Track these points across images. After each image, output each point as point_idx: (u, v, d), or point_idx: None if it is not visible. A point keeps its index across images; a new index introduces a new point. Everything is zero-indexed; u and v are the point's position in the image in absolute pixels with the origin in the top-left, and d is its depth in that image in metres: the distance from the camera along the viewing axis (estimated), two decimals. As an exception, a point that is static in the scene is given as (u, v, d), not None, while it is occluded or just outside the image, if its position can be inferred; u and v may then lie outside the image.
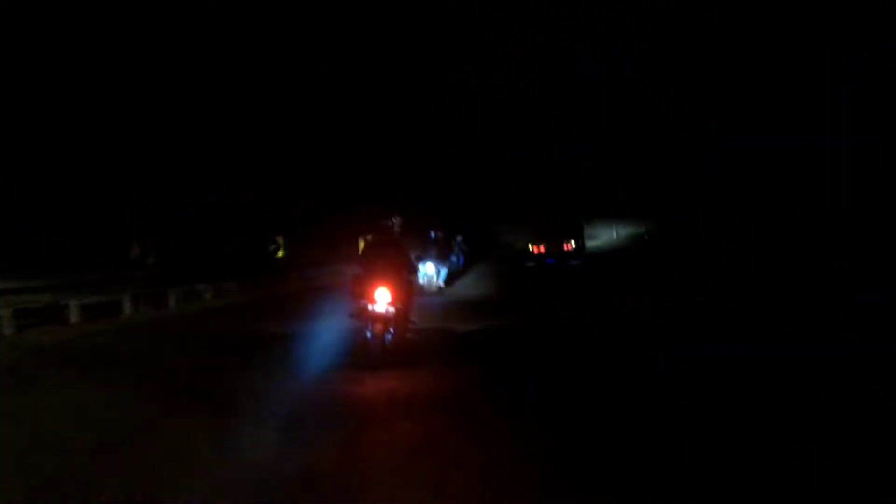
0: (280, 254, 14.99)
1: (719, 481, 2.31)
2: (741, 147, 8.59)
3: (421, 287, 9.70)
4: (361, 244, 10.21)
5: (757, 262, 6.95)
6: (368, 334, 4.80)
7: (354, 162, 16.92)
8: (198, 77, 13.61)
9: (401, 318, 4.96)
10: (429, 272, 10.40)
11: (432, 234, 10.57)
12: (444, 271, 10.94)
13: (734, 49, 8.27)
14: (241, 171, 14.46)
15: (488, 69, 12.76)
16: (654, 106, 10.88)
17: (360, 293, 4.95)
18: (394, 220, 5.55)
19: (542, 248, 16.88)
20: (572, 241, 16.42)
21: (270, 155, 15.45)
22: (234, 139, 14.60)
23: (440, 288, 10.66)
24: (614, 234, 16.31)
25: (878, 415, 2.89)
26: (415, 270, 5.99)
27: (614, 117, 12.58)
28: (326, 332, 6.15)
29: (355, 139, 16.79)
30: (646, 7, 9.29)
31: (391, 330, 4.83)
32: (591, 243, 16.45)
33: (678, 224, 13.25)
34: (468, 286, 11.53)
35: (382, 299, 4.78)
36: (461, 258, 13.58)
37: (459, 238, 13.56)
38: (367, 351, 4.74)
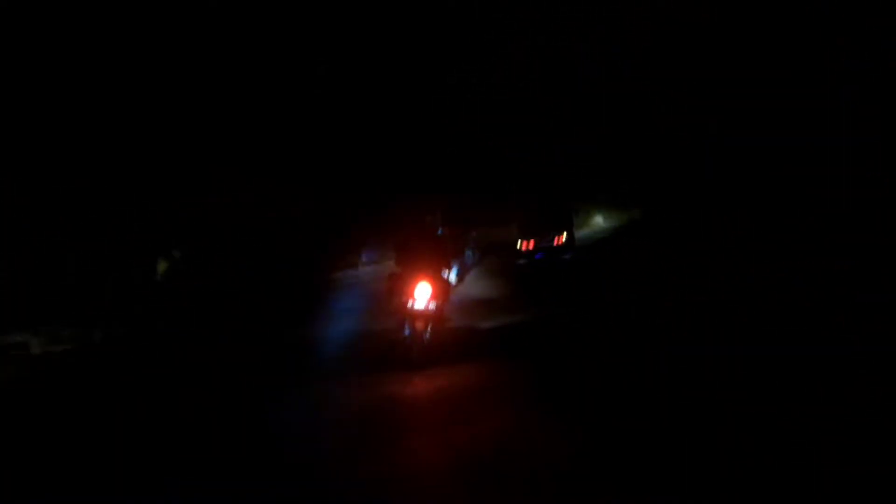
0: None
1: (719, 481, 2.31)
2: (741, 147, 8.58)
3: None
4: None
5: (757, 262, 6.92)
6: (407, 332, 4.71)
7: (354, 161, 16.87)
8: (197, 77, 13.59)
9: (439, 314, 4.88)
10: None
11: (439, 231, 10.40)
12: (455, 268, 10.88)
13: (734, 49, 8.27)
14: (242, 171, 14.42)
15: (488, 69, 12.74)
16: (654, 106, 10.86)
17: (400, 290, 4.87)
18: (435, 216, 5.47)
19: (531, 244, 14.72)
20: (564, 234, 14.31)
21: (270, 155, 15.40)
22: (234, 139, 14.56)
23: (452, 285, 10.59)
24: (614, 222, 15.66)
25: (878, 415, 2.89)
26: (451, 267, 5.94)
27: (614, 117, 12.56)
28: (361, 335, 6.25)
29: (355, 139, 16.75)
30: (646, 7, 9.28)
31: (429, 328, 4.74)
32: (584, 232, 15.53)
33: (677, 223, 13.20)
34: (474, 283, 11.56)
35: (423, 296, 4.67)
36: (477, 255, 13.37)
37: (474, 233, 13.32)
38: (408, 350, 4.67)
